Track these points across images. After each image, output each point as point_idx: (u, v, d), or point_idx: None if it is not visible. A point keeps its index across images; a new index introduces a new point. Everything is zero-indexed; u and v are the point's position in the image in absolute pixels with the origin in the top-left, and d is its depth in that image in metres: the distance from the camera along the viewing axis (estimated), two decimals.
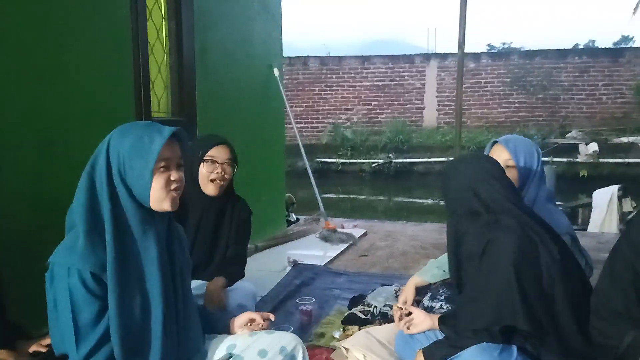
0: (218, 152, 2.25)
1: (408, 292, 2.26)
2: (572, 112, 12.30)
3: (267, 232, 4.53)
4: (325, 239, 4.54)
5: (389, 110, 13.12)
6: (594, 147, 10.18)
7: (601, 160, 10.05)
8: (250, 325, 1.67)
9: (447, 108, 12.81)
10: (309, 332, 2.57)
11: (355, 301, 2.79)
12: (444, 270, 2.25)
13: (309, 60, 13.35)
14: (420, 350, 1.69)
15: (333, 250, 4.23)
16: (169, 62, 3.59)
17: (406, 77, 13.09)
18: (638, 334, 1.37)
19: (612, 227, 5.62)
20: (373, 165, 11.52)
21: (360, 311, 2.62)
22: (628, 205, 5.77)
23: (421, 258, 3.98)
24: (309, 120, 13.28)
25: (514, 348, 1.54)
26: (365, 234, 4.85)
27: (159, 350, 1.37)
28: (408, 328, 1.85)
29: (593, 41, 18.81)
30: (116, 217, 1.34)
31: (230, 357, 1.56)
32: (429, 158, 11.26)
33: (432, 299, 2.30)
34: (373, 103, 13.24)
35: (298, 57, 13.36)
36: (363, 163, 11.63)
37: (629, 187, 6.01)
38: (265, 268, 3.67)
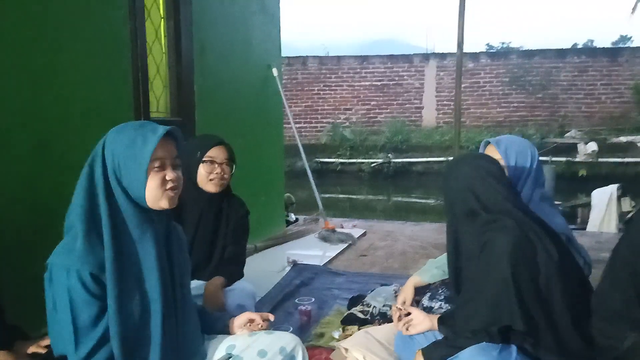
0: (217, 153, 2.26)
1: (407, 293, 2.26)
2: (571, 111, 12.32)
3: (266, 232, 4.53)
4: (324, 239, 4.54)
5: (388, 110, 13.13)
6: (592, 146, 10.19)
7: (600, 159, 10.05)
8: (250, 325, 1.67)
9: (446, 108, 12.82)
10: (309, 332, 2.57)
11: (354, 301, 2.79)
12: (443, 271, 2.25)
13: (308, 60, 13.34)
14: (419, 350, 1.69)
15: (332, 250, 4.23)
16: (168, 62, 3.59)
17: (405, 77, 13.09)
18: (639, 337, 1.36)
19: (611, 226, 5.63)
20: (372, 165, 11.52)
21: (359, 311, 2.61)
22: (627, 204, 5.78)
23: (420, 258, 3.98)
24: (308, 120, 13.28)
25: (513, 348, 1.54)
26: (364, 234, 4.85)
27: (158, 351, 1.37)
28: (407, 329, 1.85)
29: (592, 41, 18.81)
30: (114, 218, 1.34)
31: (230, 357, 1.56)
32: (428, 158, 11.26)
33: (431, 299, 2.29)
34: (372, 103, 13.24)
35: (297, 57, 13.36)
36: (362, 163, 11.64)
37: (627, 186, 6.02)
38: (264, 268, 3.67)
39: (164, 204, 1.40)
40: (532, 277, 1.54)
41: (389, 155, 11.52)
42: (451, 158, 9.54)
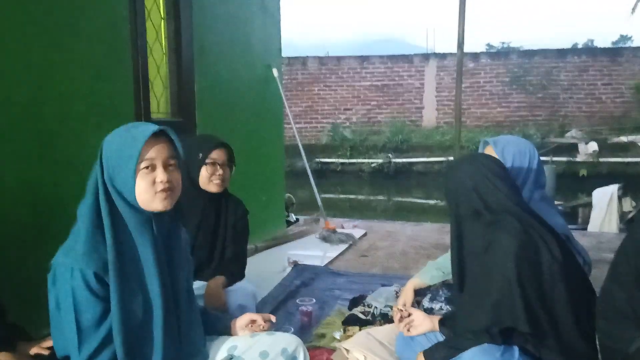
0: (218, 155, 2.27)
1: (407, 295, 2.26)
2: (571, 111, 12.31)
3: (266, 233, 4.53)
4: (325, 239, 4.54)
5: (388, 110, 13.12)
6: (593, 146, 10.19)
7: (601, 159, 10.06)
8: (251, 326, 1.67)
9: (446, 108, 12.82)
10: (310, 333, 2.57)
11: (355, 302, 2.79)
12: (443, 272, 2.25)
13: (308, 60, 13.34)
14: (421, 352, 1.69)
15: (333, 251, 4.23)
16: (168, 63, 3.59)
17: (405, 77, 13.09)
18: None
19: (612, 226, 5.63)
20: (372, 165, 11.52)
21: (360, 312, 2.61)
22: (628, 204, 5.78)
23: (421, 258, 3.97)
24: (308, 120, 13.28)
25: (516, 349, 1.54)
26: (365, 234, 4.85)
27: (160, 352, 1.37)
28: (408, 330, 1.84)
29: (592, 40, 18.85)
30: (114, 218, 1.34)
31: (231, 358, 1.56)
32: (428, 158, 11.26)
33: (432, 300, 2.30)
34: (372, 103, 13.23)
35: (297, 57, 13.36)
36: (362, 163, 11.63)
37: (628, 186, 6.03)
38: (265, 269, 3.66)
39: (156, 206, 1.37)
40: (536, 277, 1.54)
41: (389, 155, 11.52)
42: (452, 158, 9.56)
